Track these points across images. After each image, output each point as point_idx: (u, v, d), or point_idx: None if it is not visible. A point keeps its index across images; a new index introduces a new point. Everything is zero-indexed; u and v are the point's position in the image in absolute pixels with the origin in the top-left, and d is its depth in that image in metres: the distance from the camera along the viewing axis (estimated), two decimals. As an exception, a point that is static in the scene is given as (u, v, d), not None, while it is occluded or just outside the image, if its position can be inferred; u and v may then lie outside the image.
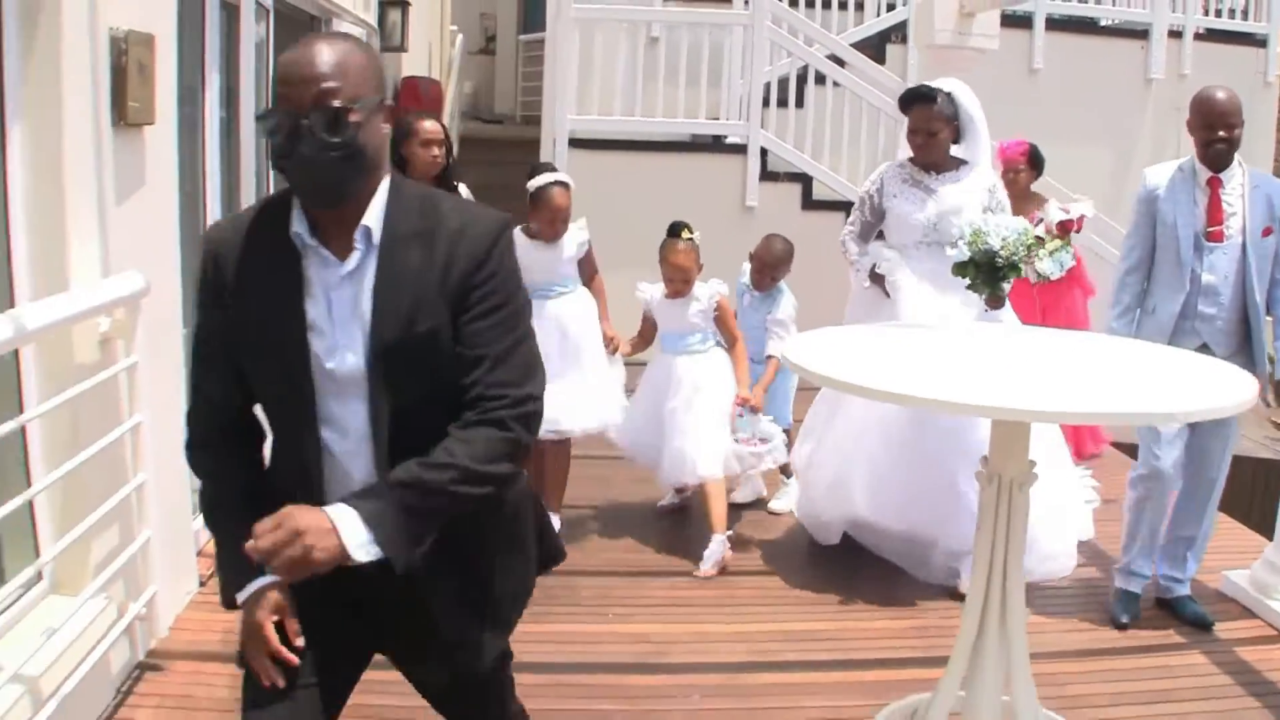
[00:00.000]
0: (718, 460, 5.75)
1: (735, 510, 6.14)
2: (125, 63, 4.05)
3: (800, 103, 10.92)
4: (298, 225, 2.37)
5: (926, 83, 5.93)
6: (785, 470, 6.49)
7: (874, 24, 12.35)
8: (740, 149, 10.74)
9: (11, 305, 3.71)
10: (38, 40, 3.73)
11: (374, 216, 2.37)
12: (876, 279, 5.79)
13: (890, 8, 12.17)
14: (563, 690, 4.27)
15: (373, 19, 9.36)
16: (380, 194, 2.39)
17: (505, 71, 20.22)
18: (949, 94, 5.78)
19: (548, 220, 5.67)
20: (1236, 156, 5.03)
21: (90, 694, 3.91)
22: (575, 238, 5.83)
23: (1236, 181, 5.02)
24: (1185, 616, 5.10)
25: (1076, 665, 4.62)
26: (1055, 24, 12.62)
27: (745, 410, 5.75)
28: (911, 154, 5.89)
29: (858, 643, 4.86)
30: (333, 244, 2.38)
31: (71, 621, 3.86)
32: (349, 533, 2.25)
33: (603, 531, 5.98)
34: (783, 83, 11.05)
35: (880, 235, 5.99)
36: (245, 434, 2.57)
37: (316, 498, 2.37)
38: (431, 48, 14.26)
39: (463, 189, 5.75)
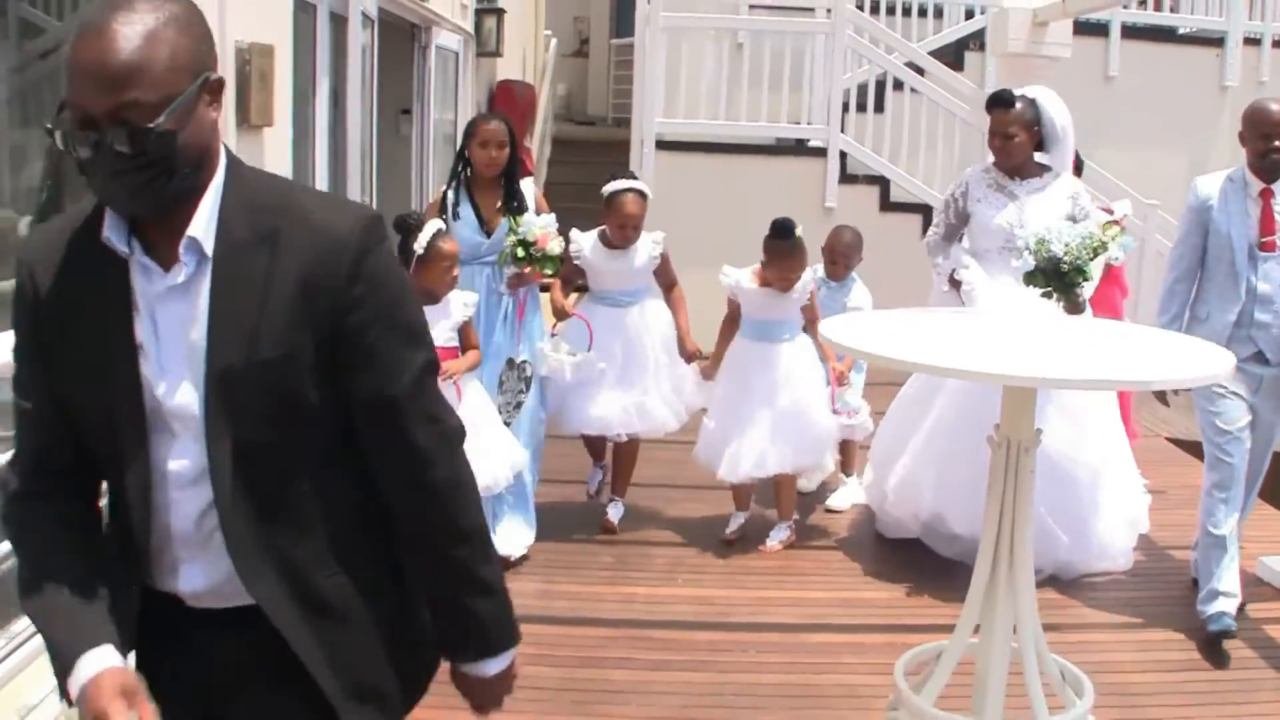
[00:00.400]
0: (790, 458, 5.81)
1: (802, 499, 6.43)
2: (249, 71, 4.57)
3: (880, 108, 11.27)
4: (110, 229, 1.93)
5: (1013, 89, 5.95)
6: (845, 469, 6.65)
7: (953, 31, 12.69)
8: (821, 152, 11.11)
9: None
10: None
11: (202, 223, 1.93)
12: (955, 284, 5.84)
13: (969, 16, 12.47)
14: (634, 643, 4.75)
15: (469, 26, 9.84)
16: (212, 192, 1.96)
17: (598, 74, 20.69)
18: (1032, 100, 5.84)
19: (618, 225, 5.77)
20: None
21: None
22: (648, 249, 5.89)
23: None
24: None
25: (1107, 635, 4.96)
26: (1130, 32, 12.76)
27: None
28: (995, 157, 5.94)
29: (907, 610, 5.22)
30: (157, 250, 1.96)
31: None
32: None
33: (675, 509, 6.34)
34: (862, 88, 11.44)
35: (962, 239, 6.13)
36: (80, 486, 2.11)
37: (142, 553, 2.03)
38: (525, 52, 14.76)
39: (528, 185, 5.79)
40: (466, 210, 5.60)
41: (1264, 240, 5.01)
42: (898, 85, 11.18)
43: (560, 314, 5.77)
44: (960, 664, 3.52)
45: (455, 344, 5.04)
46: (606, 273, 5.88)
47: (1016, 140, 5.77)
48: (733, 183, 10.59)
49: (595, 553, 5.77)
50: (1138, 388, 4.90)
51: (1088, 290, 5.41)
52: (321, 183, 6.04)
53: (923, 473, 5.75)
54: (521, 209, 5.59)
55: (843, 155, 11.12)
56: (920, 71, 11.25)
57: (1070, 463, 5.49)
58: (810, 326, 5.83)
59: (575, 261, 5.86)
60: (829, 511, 6.48)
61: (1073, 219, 5.61)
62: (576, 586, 5.34)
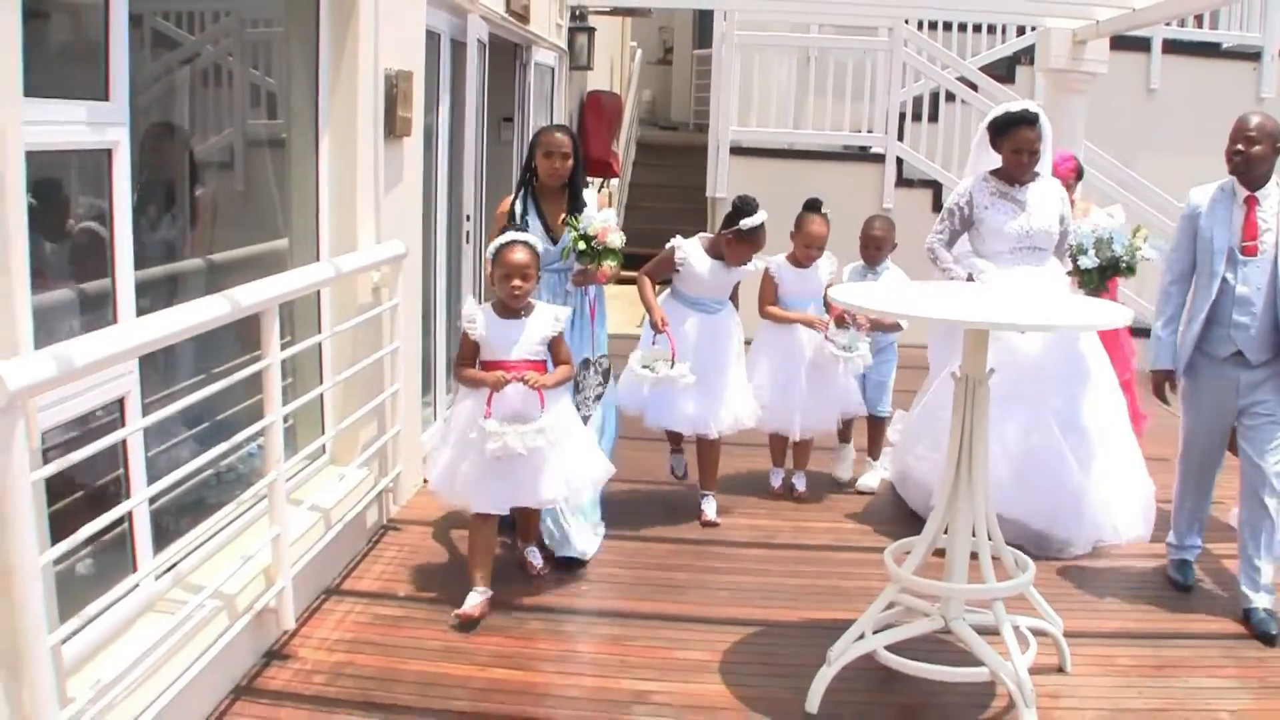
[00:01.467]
0: (831, 417, 6.75)
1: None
2: (395, 93, 5.76)
3: (934, 118, 12.34)
4: None
5: (1024, 104, 6.30)
6: (874, 453, 7.18)
7: (1005, 47, 13.67)
8: (879, 158, 12.25)
9: (317, 260, 5.42)
10: (340, 78, 5.44)
11: None
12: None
13: (1020, 32, 13.38)
14: (695, 556, 5.95)
15: (563, 43, 11.00)
16: None
17: (681, 81, 21.74)
18: (1038, 114, 6.21)
19: (743, 256, 6.16)
20: (1277, 176, 5.32)
21: (352, 538, 5.59)
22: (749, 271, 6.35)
23: (1274, 200, 5.26)
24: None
25: (1086, 562, 5.99)
26: (1172, 47, 13.52)
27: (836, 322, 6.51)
28: (1008, 170, 6.21)
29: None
30: None
31: (344, 483, 5.53)
32: None
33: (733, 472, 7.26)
34: (918, 100, 12.51)
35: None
36: None
37: None
38: (613, 63, 15.91)
39: (589, 195, 5.93)
40: (533, 219, 5.72)
41: (1246, 244, 5.26)
42: (950, 97, 12.26)
43: (657, 325, 6.08)
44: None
45: (543, 357, 5.14)
46: (709, 283, 6.25)
47: (1038, 154, 6.20)
48: (799, 186, 11.12)
49: (664, 497, 6.81)
50: (1043, 330, 5.65)
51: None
52: (443, 182, 7.21)
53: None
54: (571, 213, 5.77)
55: (899, 161, 12.25)
56: (974, 86, 12.29)
57: (1072, 430, 5.99)
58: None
59: (679, 267, 6.22)
60: (860, 493, 7.03)
61: (1063, 216, 6.26)
62: (648, 519, 6.40)
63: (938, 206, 12.14)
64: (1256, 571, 5.23)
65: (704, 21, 18.37)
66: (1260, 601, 5.21)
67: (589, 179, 12.25)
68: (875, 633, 4.49)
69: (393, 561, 5.64)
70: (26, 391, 2.79)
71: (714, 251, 6.23)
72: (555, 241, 5.78)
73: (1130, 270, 6.19)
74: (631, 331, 8.32)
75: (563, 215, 5.77)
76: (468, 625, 4.91)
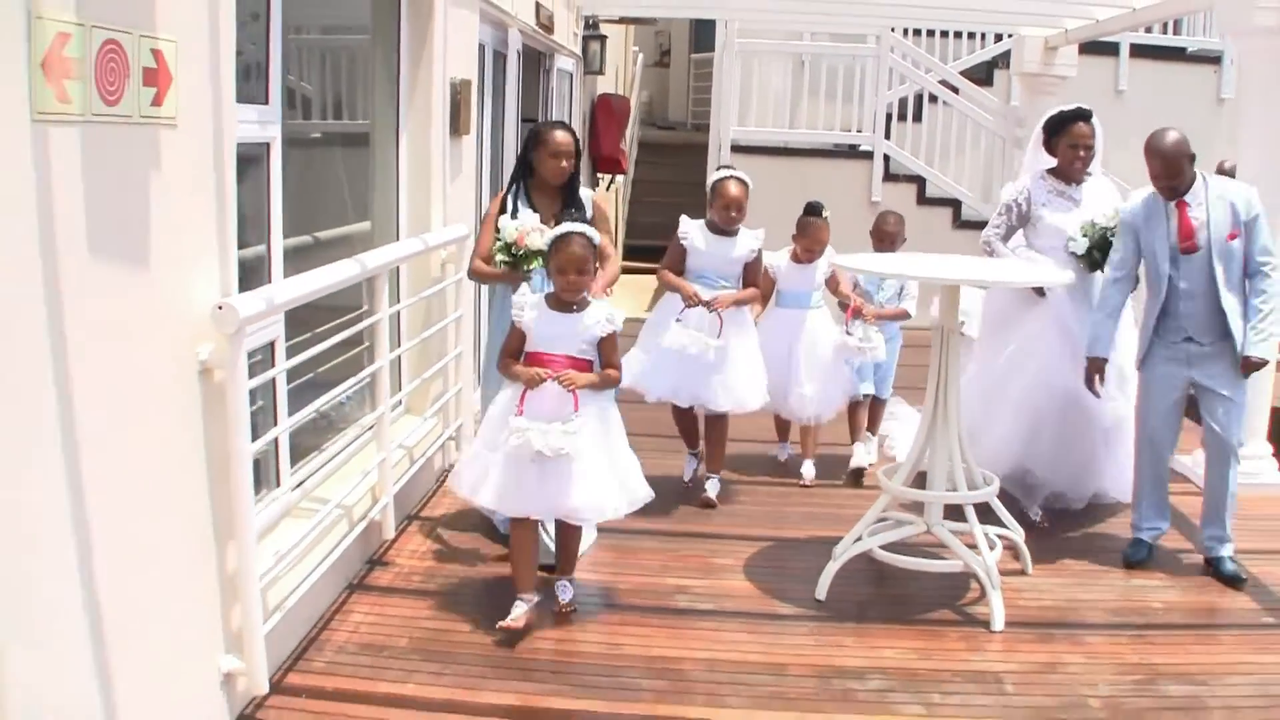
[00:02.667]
0: (832, 404, 7.02)
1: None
2: (460, 98, 6.75)
3: (918, 118, 13.40)
4: None
5: (1076, 105, 6.47)
6: (872, 428, 7.49)
7: (984, 52, 14.72)
8: (868, 155, 13.34)
9: (398, 240, 6.39)
10: (418, 86, 6.43)
11: None
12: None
13: (998, 39, 14.40)
14: (723, 499, 6.82)
15: (579, 50, 12.01)
16: None
17: (678, 84, 22.72)
18: (1091, 111, 6.43)
19: (722, 207, 6.39)
20: (1198, 172, 5.64)
21: (426, 476, 6.57)
22: (748, 242, 6.48)
23: (1201, 196, 5.60)
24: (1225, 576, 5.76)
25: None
26: (1139, 51, 14.55)
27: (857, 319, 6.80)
28: (1064, 168, 6.41)
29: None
30: None
31: (418, 430, 6.51)
32: None
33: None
34: (903, 102, 13.58)
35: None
36: None
37: None
38: (618, 67, 16.90)
39: (584, 194, 5.95)
40: (527, 216, 5.64)
41: (1184, 244, 5.61)
42: (933, 99, 13.36)
43: (691, 298, 6.29)
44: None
45: (589, 357, 4.97)
46: (708, 255, 6.46)
47: (1094, 150, 6.40)
48: (795, 180, 12.35)
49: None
50: (997, 285, 6.52)
51: None
52: (487, 174, 8.20)
53: (1014, 433, 6.34)
54: (580, 214, 5.70)
55: (886, 158, 13.35)
56: (954, 88, 13.33)
57: (1075, 402, 6.20)
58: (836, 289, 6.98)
59: (682, 240, 6.46)
60: (856, 470, 7.27)
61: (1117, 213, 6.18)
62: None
63: (922, 200, 13.23)
64: (1221, 526, 5.79)
65: (700, 26, 19.41)
66: (1226, 551, 5.79)
67: (599, 175, 13.20)
68: (870, 536, 5.52)
69: (458, 499, 6.61)
70: (247, 320, 3.78)
71: (714, 227, 6.51)
72: None
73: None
74: (638, 315, 9.15)
75: (557, 210, 5.76)
76: (513, 637, 4.81)
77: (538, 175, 5.81)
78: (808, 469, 7.21)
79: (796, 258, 6.97)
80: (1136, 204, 5.80)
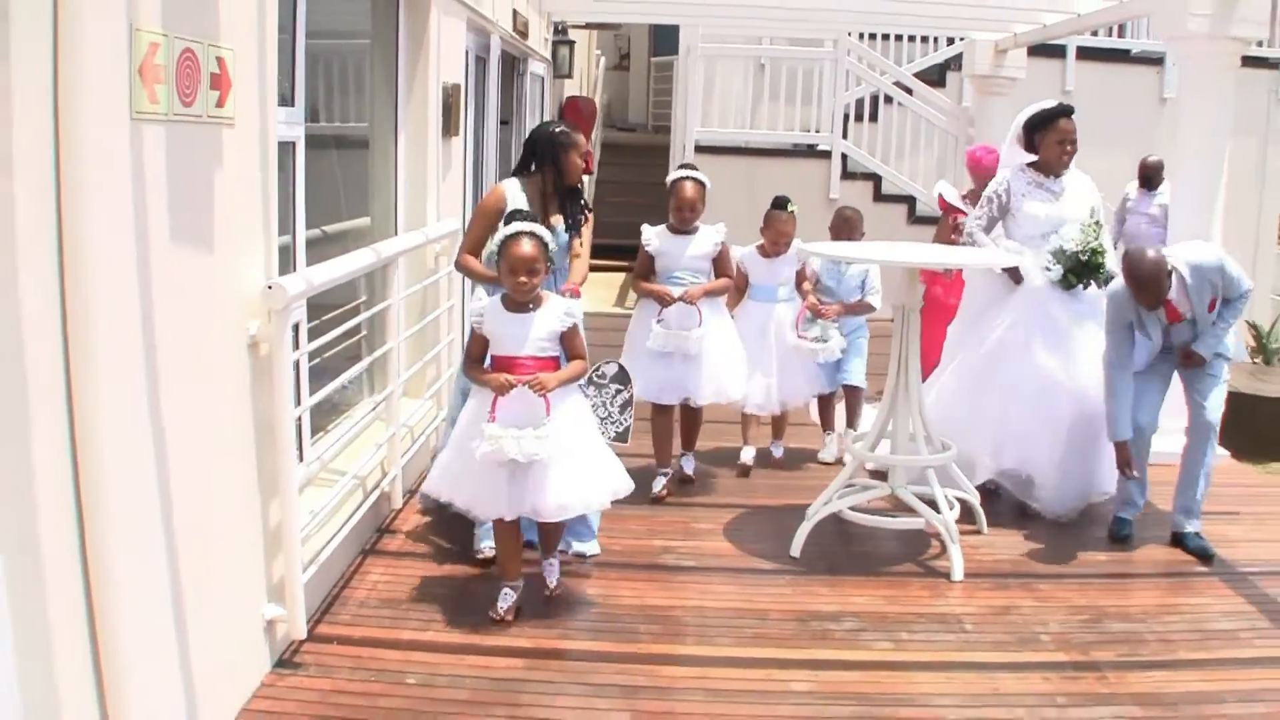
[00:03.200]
0: (799, 394, 7.25)
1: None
2: (451, 102, 7.22)
3: (874, 118, 13.97)
4: None
5: (1056, 102, 6.79)
6: (851, 421, 7.57)
7: (938, 55, 15.25)
8: (826, 154, 13.89)
9: (395, 234, 6.85)
10: (414, 91, 6.89)
11: None
12: (1010, 269, 6.55)
13: (950, 42, 14.91)
14: (709, 465, 7.31)
15: (549, 54, 12.49)
16: None
17: (638, 86, 23.19)
18: (1073, 107, 6.69)
19: (675, 208, 6.52)
20: (1172, 268, 5.79)
21: (422, 455, 7.02)
22: (710, 237, 6.61)
23: (1180, 289, 5.85)
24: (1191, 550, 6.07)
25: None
26: (1085, 54, 15.04)
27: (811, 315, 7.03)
28: (1049, 162, 6.62)
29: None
30: None
31: (417, 411, 6.96)
32: None
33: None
34: (860, 103, 14.15)
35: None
36: None
37: None
38: (582, 71, 17.38)
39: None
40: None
41: (1171, 319, 5.99)
42: (888, 100, 13.93)
43: (665, 300, 6.42)
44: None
45: (554, 354, 5.01)
46: (672, 254, 6.58)
47: (1076, 145, 6.64)
48: (756, 179, 12.94)
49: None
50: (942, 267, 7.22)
51: (1111, 262, 6.36)
52: (470, 172, 8.66)
53: (1005, 424, 6.47)
54: (585, 208, 5.96)
55: (844, 157, 13.92)
56: (909, 90, 13.90)
57: (1062, 390, 6.36)
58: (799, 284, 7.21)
59: (647, 246, 6.58)
60: (821, 463, 7.57)
61: (1095, 208, 6.58)
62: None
63: (879, 196, 13.78)
64: (1193, 501, 6.08)
65: (659, 30, 19.88)
66: (1193, 526, 6.09)
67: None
68: (839, 499, 6.03)
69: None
70: (294, 298, 4.25)
71: (673, 228, 6.61)
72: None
73: (1097, 254, 6.34)
74: (604, 310, 9.55)
75: (553, 211, 5.82)
76: (503, 623, 5.00)
77: (565, 176, 5.83)
78: (776, 449, 7.59)
79: (764, 251, 7.15)
80: (1125, 299, 5.92)
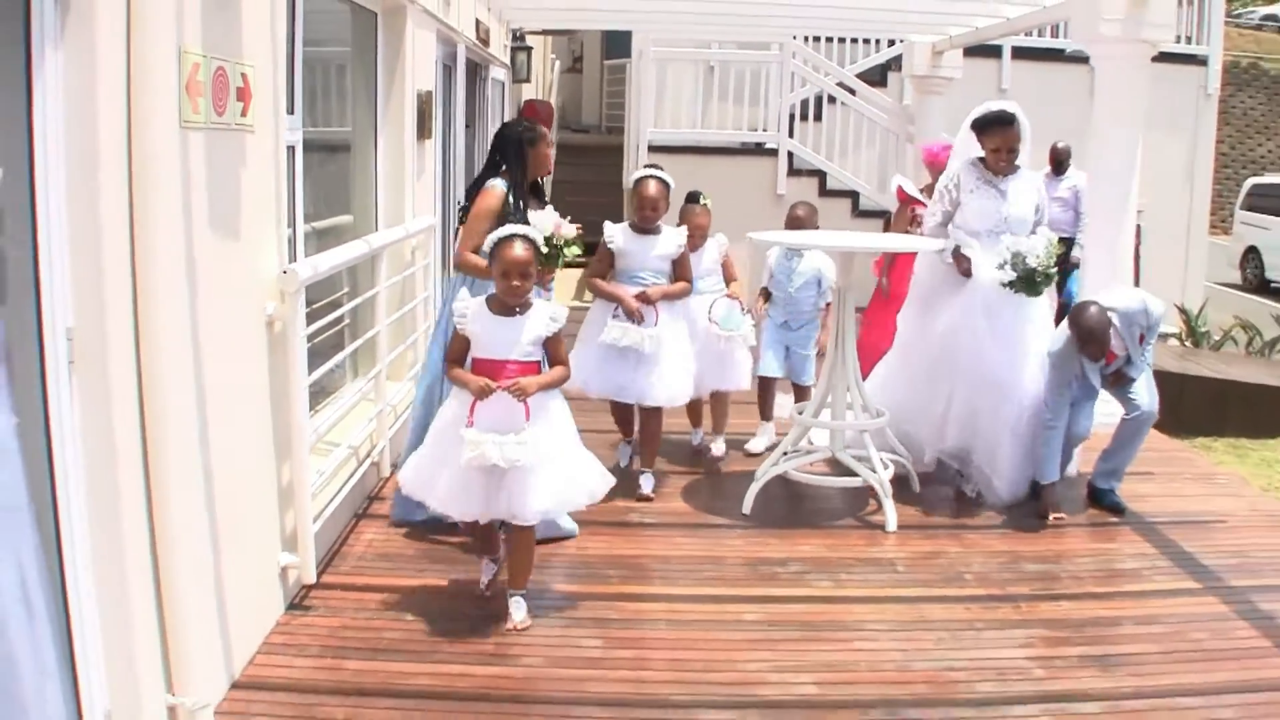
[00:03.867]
0: (725, 381, 7.29)
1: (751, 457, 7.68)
2: (425, 108, 7.83)
3: (819, 117, 14.71)
4: None
5: (1000, 105, 6.88)
6: (764, 415, 7.87)
7: (879, 56, 15.92)
8: (773, 152, 14.57)
9: (376, 230, 7.44)
10: (392, 98, 7.50)
11: None
12: (959, 258, 6.74)
13: (891, 43, 15.50)
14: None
15: (508, 60, 13.11)
16: None
17: (591, 88, 23.77)
18: (1016, 114, 6.80)
19: (637, 208, 6.61)
20: (1110, 317, 6.29)
21: (402, 434, 7.60)
22: (673, 238, 6.63)
23: (1115, 332, 6.36)
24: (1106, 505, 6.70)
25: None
26: (1020, 53, 15.73)
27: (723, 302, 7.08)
28: (992, 165, 6.77)
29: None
30: None
31: (398, 392, 7.53)
32: None
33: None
34: (805, 103, 14.85)
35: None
36: None
37: None
38: (540, 75, 18.00)
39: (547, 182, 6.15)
40: (546, 214, 5.86)
41: (1108, 363, 6.52)
42: (831, 100, 14.66)
43: (632, 310, 6.45)
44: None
45: (536, 358, 4.96)
46: (635, 254, 6.62)
47: (1016, 152, 6.77)
48: (706, 177, 12.87)
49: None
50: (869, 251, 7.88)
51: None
52: (440, 173, 9.24)
53: (950, 412, 6.81)
54: (545, 204, 6.12)
55: (790, 155, 14.62)
56: (852, 90, 14.60)
57: (1005, 382, 6.62)
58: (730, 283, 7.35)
59: (609, 244, 6.63)
60: (748, 454, 7.71)
61: (1039, 207, 6.82)
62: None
63: (824, 191, 14.43)
64: (1120, 465, 6.73)
65: (611, 35, 20.35)
66: (1112, 485, 6.76)
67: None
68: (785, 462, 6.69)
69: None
70: (305, 282, 4.87)
71: (636, 227, 6.66)
72: None
73: (1049, 280, 6.58)
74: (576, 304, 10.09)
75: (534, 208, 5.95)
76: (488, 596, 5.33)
77: (534, 168, 6.07)
78: (718, 446, 7.72)
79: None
80: (1069, 356, 6.38)
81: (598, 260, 6.76)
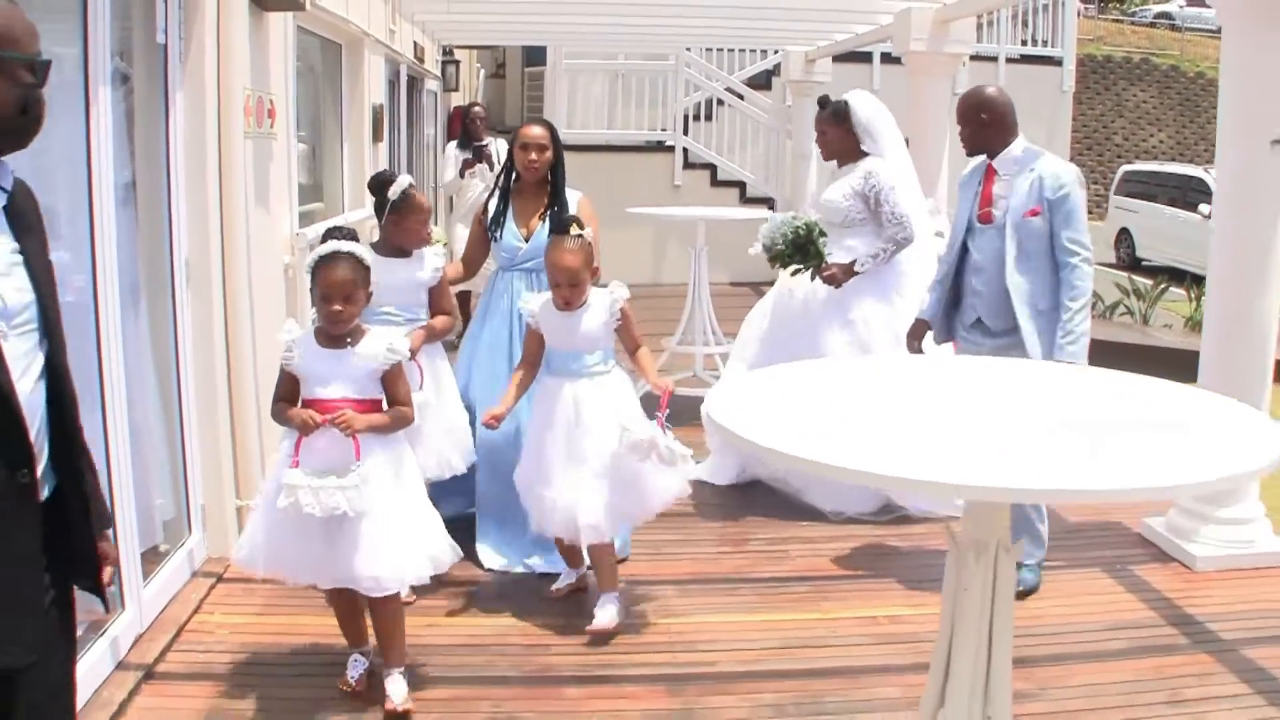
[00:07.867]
0: (615, 515, 4.99)
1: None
2: (378, 117, 9.88)
3: (710, 118, 16.84)
4: None
5: (834, 95, 6.97)
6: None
7: (764, 64, 17.94)
8: (670, 149, 16.63)
9: (343, 213, 9.47)
10: (355, 106, 9.53)
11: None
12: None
13: (775, 52, 17.36)
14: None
15: (439, 72, 15.17)
16: None
17: (513, 93, 25.47)
18: (844, 103, 6.66)
19: (409, 232, 5.34)
20: (1021, 143, 5.24)
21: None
22: (432, 262, 5.36)
23: (1011, 168, 5.20)
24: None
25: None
26: (888, 58, 17.17)
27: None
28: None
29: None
30: None
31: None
32: None
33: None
34: (699, 105, 16.95)
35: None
36: None
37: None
38: (466, 83, 19.98)
39: (571, 194, 5.71)
40: (507, 217, 5.64)
41: (981, 212, 5.28)
42: (720, 102, 16.78)
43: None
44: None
45: (374, 395, 4.20)
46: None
47: (825, 136, 6.73)
48: (613, 172, 15.10)
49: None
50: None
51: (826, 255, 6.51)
52: (389, 165, 11.25)
53: None
54: (564, 213, 5.36)
55: (685, 151, 16.60)
56: (740, 94, 16.77)
57: None
58: (634, 352, 5.11)
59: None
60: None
61: (863, 195, 6.47)
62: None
63: (715, 183, 16.46)
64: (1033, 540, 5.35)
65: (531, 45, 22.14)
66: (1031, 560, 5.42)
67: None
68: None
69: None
70: (311, 240, 6.94)
71: (385, 249, 5.30)
72: (528, 239, 5.62)
73: (811, 241, 6.55)
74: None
75: (540, 210, 5.63)
76: (358, 694, 4.42)
77: (518, 173, 5.67)
78: (603, 614, 5.04)
79: (558, 301, 5.00)
80: (965, 171, 5.55)
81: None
